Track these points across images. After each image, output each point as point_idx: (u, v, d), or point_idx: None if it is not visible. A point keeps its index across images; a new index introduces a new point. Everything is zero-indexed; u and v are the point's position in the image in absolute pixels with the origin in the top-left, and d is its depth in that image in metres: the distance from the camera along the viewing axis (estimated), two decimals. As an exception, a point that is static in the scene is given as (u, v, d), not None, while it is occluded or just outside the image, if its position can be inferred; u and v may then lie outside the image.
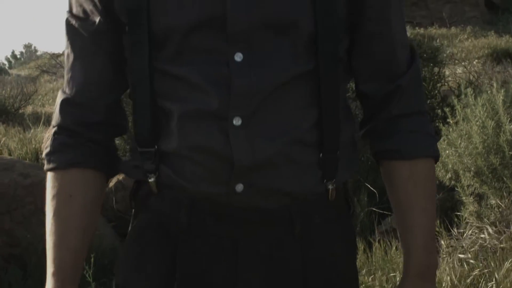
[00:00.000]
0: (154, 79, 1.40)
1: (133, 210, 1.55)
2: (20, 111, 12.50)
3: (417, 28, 15.76)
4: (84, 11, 1.46)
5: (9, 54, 28.54)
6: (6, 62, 27.46)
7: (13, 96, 12.71)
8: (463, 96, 4.67)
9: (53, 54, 23.17)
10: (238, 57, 1.34)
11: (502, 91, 4.28)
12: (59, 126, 1.49)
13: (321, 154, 1.41)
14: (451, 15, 16.61)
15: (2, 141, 7.53)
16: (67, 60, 1.51)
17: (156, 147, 1.42)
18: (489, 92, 4.43)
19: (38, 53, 27.26)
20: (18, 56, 28.52)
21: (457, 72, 8.93)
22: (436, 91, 6.01)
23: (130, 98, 1.46)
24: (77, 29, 1.48)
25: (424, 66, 6.22)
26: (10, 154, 6.98)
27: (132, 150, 1.52)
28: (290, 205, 1.41)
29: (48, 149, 1.50)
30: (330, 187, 1.44)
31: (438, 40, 13.80)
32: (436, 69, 6.16)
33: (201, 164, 1.38)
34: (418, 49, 6.48)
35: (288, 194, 1.40)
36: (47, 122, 10.02)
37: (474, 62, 9.92)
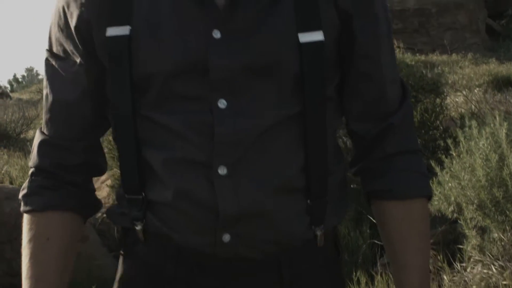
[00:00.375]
0: (137, 125, 1.38)
1: (121, 254, 1.53)
2: (22, 136, 12.49)
3: (418, 54, 15.81)
4: (65, 51, 1.44)
5: (11, 78, 28.54)
6: (8, 86, 27.54)
7: (15, 121, 12.72)
8: (466, 129, 4.66)
9: (55, 78, 23.25)
10: (222, 104, 1.32)
11: (505, 124, 4.28)
12: (37, 167, 1.47)
13: (308, 200, 1.39)
14: (452, 42, 16.65)
15: (4, 170, 7.53)
16: (46, 101, 1.48)
17: (143, 194, 1.40)
18: (492, 125, 4.42)
19: (40, 76, 27.30)
20: (20, 80, 28.58)
21: (458, 100, 8.94)
22: (438, 122, 6.01)
23: (115, 142, 1.45)
24: (56, 69, 1.45)
25: (425, 97, 6.21)
26: (11, 183, 6.98)
27: (118, 196, 1.50)
28: (278, 253, 1.39)
29: (25, 191, 1.48)
30: (318, 232, 1.42)
31: (439, 67, 13.85)
32: (438, 100, 6.17)
33: (187, 213, 1.36)
34: (420, 81, 6.54)
35: (275, 242, 1.38)
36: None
37: (476, 91, 9.92)
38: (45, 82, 1.48)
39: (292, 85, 1.34)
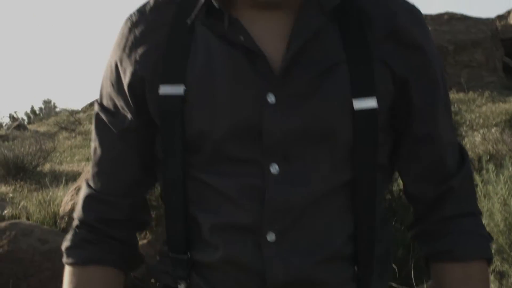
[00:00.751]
0: (187, 185, 1.37)
1: None
2: (38, 169, 12.51)
3: (435, 92, 15.76)
4: (115, 106, 1.44)
5: (28, 109, 28.68)
6: (25, 118, 27.65)
7: (32, 153, 12.73)
8: (484, 172, 4.64)
9: (72, 111, 23.35)
10: (274, 169, 1.31)
11: (525, 169, 4.26)
12: (81, 221, 1.48)
13: (356, 267, 1.37)
14: (469, 80, 16.60)
15: (20, 205, 7.54)
16: (94, 154, 1.49)
17: (188, 254, 1.39)
18: (510, 169, 4.40)
19: (57, 109, 27.42)
20: (37, 112, 28.67)
21: (476, 139, 8.90)
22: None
23: (162, 201, 1.44)
24: (106, 124, 1.46)
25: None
26: (28, 218, 6.98)
27: (162, 254, 1.49)
28: None
29: (67, 244, 1.49)
30: None
31: (456, 105, 13.82)
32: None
33: (233, 277, 1.35)
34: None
35: None
36: (65, 182, 10.06)
37: (493, 130, 9.87)
38: (94, 135, 1.50)
39: (345, 153, 1.34)
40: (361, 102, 1.32)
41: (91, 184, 1.50)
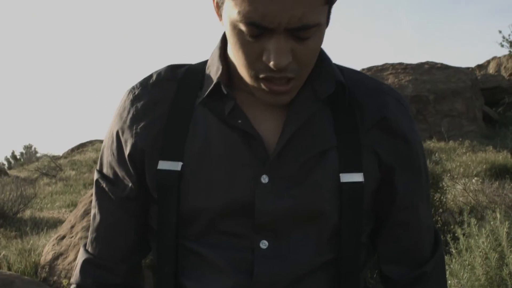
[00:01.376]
0: (178, 254, 1.42)
1: None
2: (19, 215, 12.41)
3: (415, 141, 15.87)
4: (115, 174, 1.49)
5: (9, 155, 28.57)
6: (5, 163, 27.53)
7: (12, 200, 12.64)
8: (466, 226, 4.67)
9: (53, 156, 23.30)
10: (263, 244, 1.37)
11: (507, 223, 4.29)
12: (79, 285, 1.52)
13: None
14: (450, 129, 16.77)
15: (1, 254, 7.48)
16: (93, 220, 1.54)
17: None
18: (492, 223, 4.43)
19: (38, 154, 27.35)
20: (18, 157, 28.56)
21: (456, 189, 8.95)
22: (438, 217, 6.02)
23: (153, 271, 1.48)
24: (106, 192, 1.50)
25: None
26: (9, 268, 6.92)
27: None
28: None
29: None
30: None
31: (437, 154, 13.91)
32: (437, 195, 6.19)
33: None
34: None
35: None
36: (46, 229, 9.98)
37: (474, 180, 9.95)
38: (94, 202, 1.54)
39: (331, 233, 1.39)
40: (348, 176, 1.39)
41: (89, 249, 1.54)
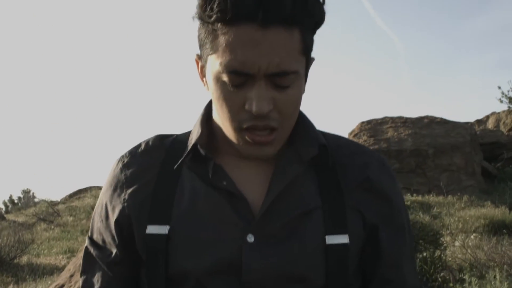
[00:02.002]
0: None
1: None
2: (15, 261, 12.36)
3: (414, 195, 15.91)
4: (103, 240, 1.55)
5: (6, 198, 28.50)
6: (3, 206, 27.46)
7: (9, 245, 12.60)
8: (466, 285, 4.67)
9: (51, 202, 23.23)
10: None
11: (506, 283, 4.30)
12: None
13: None
14: (448, 183, 16.76)
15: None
16: (82, 284, 1.58)
17: None
18: (493, 283, 4.43)
19: (36, 199, 27.29)
20: (16, 201, 28.51)
21: (455, 246, 8.95)
22: (437, 275, 6.01)
23: None
24: (93, 257, 1.56)
25: (425, 249, 6.24)
26: (6, 316, 6.89)
27: None
28: None
29: None
30: None
31: (435, 208, 13.91)
32: (437, 252, 6.19)
33: None
34: (420, 232, 6.57)
35: None
36: (43, 275, 9.93)
37: (472, 236, 9.94)
38: (82, 267, 1.59)
39: None
40: (333, 238, 1.42)
41: None
